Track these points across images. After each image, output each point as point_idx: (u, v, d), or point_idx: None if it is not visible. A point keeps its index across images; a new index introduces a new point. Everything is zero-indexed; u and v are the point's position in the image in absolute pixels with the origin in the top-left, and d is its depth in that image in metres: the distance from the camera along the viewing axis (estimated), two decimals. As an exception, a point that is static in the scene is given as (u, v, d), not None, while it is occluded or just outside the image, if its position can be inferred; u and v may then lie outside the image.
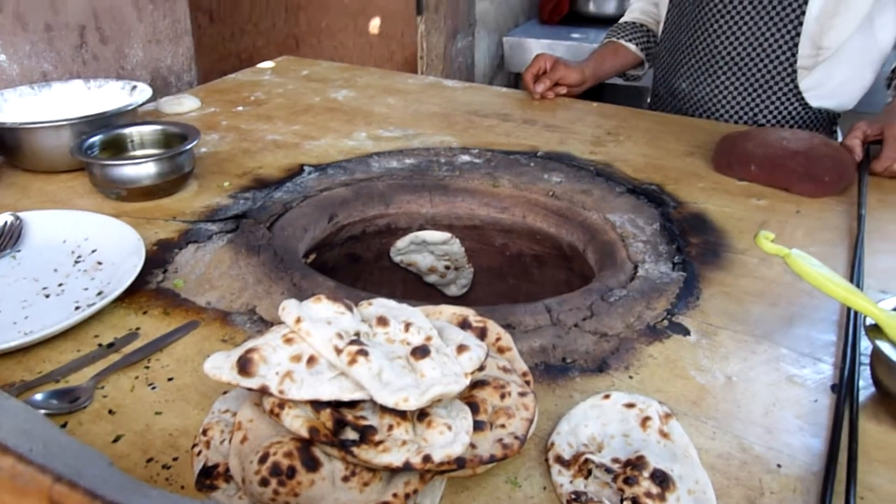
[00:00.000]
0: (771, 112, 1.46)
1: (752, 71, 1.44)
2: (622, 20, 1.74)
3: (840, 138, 1.54)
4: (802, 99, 1.44)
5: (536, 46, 2.70)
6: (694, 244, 0.99)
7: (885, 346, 0.66)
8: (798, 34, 1.39)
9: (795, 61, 1.41)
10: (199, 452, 0.62)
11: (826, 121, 1.49)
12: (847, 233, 1.03)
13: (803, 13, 1.37)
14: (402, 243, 1.22)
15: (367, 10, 2.43)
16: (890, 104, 1.34)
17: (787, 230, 1.04)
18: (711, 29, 1.46)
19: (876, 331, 0.68)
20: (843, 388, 0.71)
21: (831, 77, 1.42)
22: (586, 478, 0.60)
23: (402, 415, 0.55)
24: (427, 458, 0.52)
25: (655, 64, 1.64)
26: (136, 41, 1.50)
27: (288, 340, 0.59)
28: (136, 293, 0.86)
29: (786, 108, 1.46)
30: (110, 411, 0.68)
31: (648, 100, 1.72)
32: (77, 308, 0.81)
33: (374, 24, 2.45)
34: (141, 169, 1.06)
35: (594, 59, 1.64)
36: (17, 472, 0.33)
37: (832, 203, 1.12)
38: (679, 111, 1.56)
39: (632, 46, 1.67)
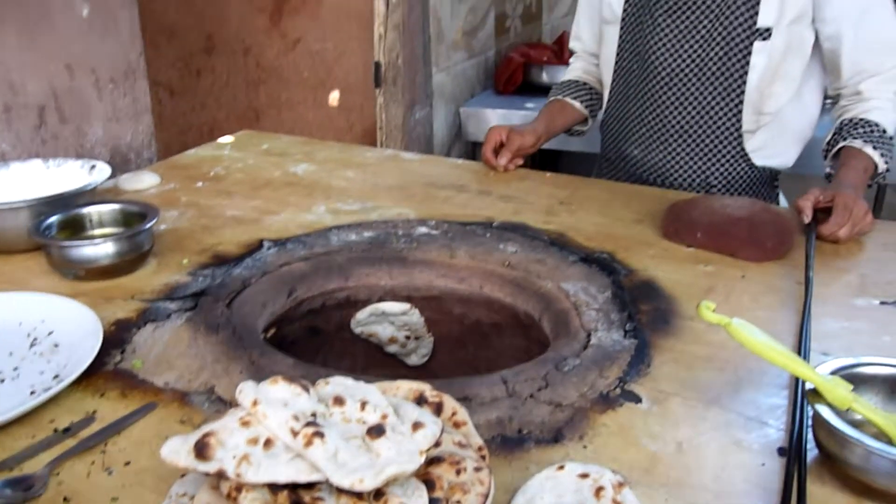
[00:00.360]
0: (721, 173, 1.54)
1: (702, 137, 1.52)
2: (565, 78, 1.81)
3: (781, 198, 1.62)
4: (749, 159, 1.53)
5: (492, 115, 2.78)
6: (644, 311, 1.02)
7: (823, 410, 0.69)
8: (741, 102, 1.48)
9: (741, 126, 1.50)
10: (156, 539, 0.62)
11: (769, 178, 1.57)
12: (790, 296, 1.08)
13: (745, 82, 1.46)
14: (362, 315, 1.23)
15: (326, 83, 2.49)
16: (838, 174, 1.41)
17: (733, 295, 1.08)
18: (660, 100, 1.53)
19: (815, 395, 0.71)
20: (792, 452, 0.74)
21: (773, 139, 1.52)
22: (542, 551, 0.61)
23: (358, 495, 0.56)
24: (383, 539, 0.53)
25: (604, 131, 1.70)
26: (95, 120, 1.52)
27: (245, 423, 0.60)
28: (94, 375, 0.86)
29: (734, 169, 1.54)
30: (65, 499, 0.68)
31: (595, 167, 1.78)
32: (33, 393, 0.81)
33: (334, 97, 2.50)
34: (99, 249, 1.07)
35: (545, 118, 1.70)
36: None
37: (775, 267, 1.16)
38: (631, 176, 1.63)
39: (577, 104, 1.74)
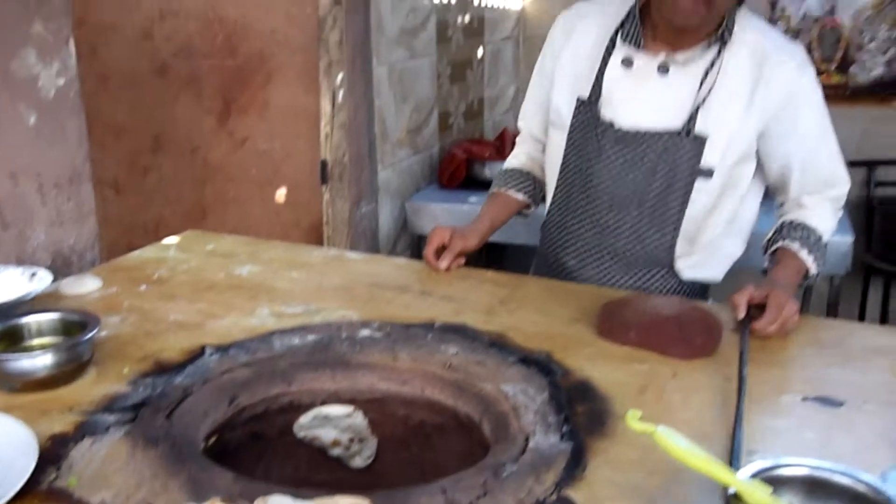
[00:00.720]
0: (651, 289, 1.59)
1: (636, 258, 1.57)
2: (507, 166, 1.81)
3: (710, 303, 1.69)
4: (679, 277, 1.59)
5: (437, 210, 2.86)
6: (580, 413, 1.05)
7: (744, 515, 0.72)
8: (677, 231, 1.54)
9: (674, 251, 1.55)
10: None
11: (700, 292, 1.63)
12: (719, 392, 1.12)
13: (683, 215, 1.52)
14: (305, 419, 1.23)
15: (273, 180, 2.54)
16: (773, 272, 1.47)
17: (665, 395, 1.12)
18: (599, 221, 1.57)
19: (737, 499, 0.74)
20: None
21: (704, 259, 1.58)
22: None
23: None
24: None
25: (544, 232, 1.74)
26: (38, 225, 1.52)
27: (180, 549, 0.61)
28: (27, 495, 0.84)
29: (664, 285, 1.59)
30: None
31: (534, 263, 1.82)
32: (-38, 517, 0.79)
33: (280, 194, 2.55)
34: (37, 361, 1.06)
35: (488, 215, 1.72)
36: None
37: (705, 364, 1.21)
38: (565, 280, 1.66)
39: (520, 196, 1.75)
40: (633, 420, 0.78)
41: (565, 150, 1.62)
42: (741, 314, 1.30)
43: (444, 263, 1.60)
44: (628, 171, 1.53)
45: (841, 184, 1.55)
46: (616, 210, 1.56)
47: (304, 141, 2.52)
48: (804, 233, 1.51)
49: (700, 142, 1.47)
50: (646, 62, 1.51)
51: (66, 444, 0.95)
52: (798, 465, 0.81)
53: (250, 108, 2.46)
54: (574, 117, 1.59)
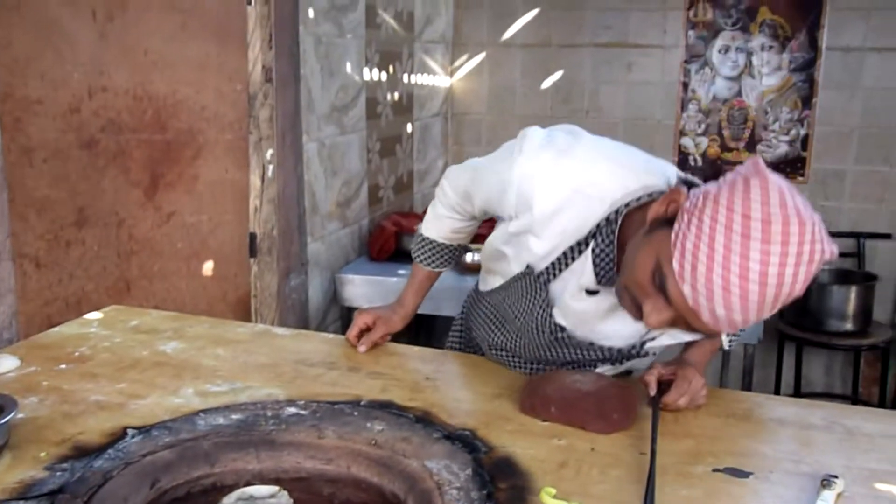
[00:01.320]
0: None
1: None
2: (427, 235, 1.67)
3: None
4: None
5: (366, 282, 2.88)
6: (502, 489, 1.08)
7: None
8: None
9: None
10: None
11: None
12: (635, 466, 1.17)
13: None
14: (228, 500, 1.22)
15: (200, 253, 2.53)
16: (686, 350, 1.52)
17: (583, 469, 1.16)
18: (542, 370, 1.51)
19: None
20: None
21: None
22: None
23: None
24: None
25: (468, 309, 1.74)
26: (-46, 303, 1.49)
27: None
28: (-67, 591, 0.82)
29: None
30: None
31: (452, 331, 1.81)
32: None
33: (208, 267, 2.54)
34: (-51, 447, 1.03)
35: (413, 293, 1.70)
36: None
37: (622, 438, 1.26)
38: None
39: (443, 269, 1.70)
40: (548, 497, 0.81)
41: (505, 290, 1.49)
42: (652, 391, 1.36)
43: (362, 348, 1.61)
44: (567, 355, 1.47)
45: None
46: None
47: (233, 214, 2.52)
48: None
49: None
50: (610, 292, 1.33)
51: (-24, 535, 0.93)
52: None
53: (178, 183, 2.46)
54: (520, 281, 1.42)
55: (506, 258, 1.43)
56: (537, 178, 1.31)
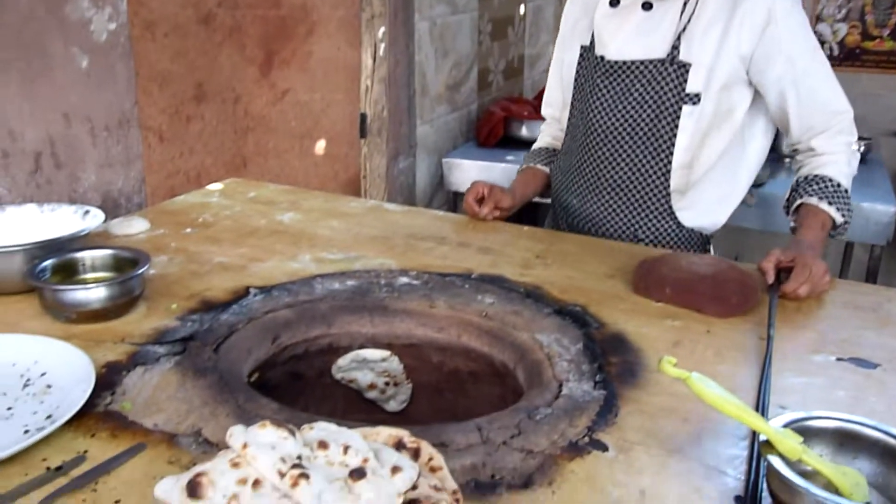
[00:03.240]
0: (649, 228, 1.63)
1: (632, 192, 1.62)
2: (535, 146, 1.92)
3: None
4: (676, 218, 1.62)
5: (473, 167, 2.86)
6: (614, 363, 1.08)
7: (775, 461, 0.74)
8: (670, 162, 1.57)
9: (669, 185, 1.59)
10: (145, 575, 0.65)
11: (700, 240, 1.65)
12: (752, 351, 1.13)
13: (674, 144, 1.56)
14: (343, 361, 1.27)
15: (312, 132, 2.56)
16: (798, 233, 1.49)
17: (698, 349, 1.13)
18: (596, 155, 1.64)
19: (768, 446, 0.76)
20: (747, 500, 0.78)
21: (701, 199, 1.61)
22: (511, 590, 0.65)
23: (340, 534, 0.60)
24: (362, 575, 0.57)
25: (552, 180, 1.80)
26: (89, 166, 1.57)
27: (235, 465, 0.64)
28: (85, 416, 0.89)
29: (661, 226, 1.63)
30: (57, 536, 0.71)
31: (548, 214, 1.87)
32: (26, 432, 0.84)
33: (320, 146, 2.57)
34: (91, 293, 1.10)
35: (519, 185, 1.80)
36: None
37: (739, 323, 1.22)
38: (571, 225, 1.74)
39: (547, 169, 1.85)
40: (668, 365, 0.80)
41: (572, 97, 1.70)
42: (770, 279, 1.31)
43: (485, 210, 1.65)
44: (619, 101, 1.59)
45: (843, 111, 1.54)
46: (611, 142, 1.61)
47: (344, 94, 2.53)
48: (822, 184, 1.51)
49: (684, 68, 1.52)
50: (631, 1, 1.58)
51: (119, 371, 1.00)
52: (830, 418, 0.82)
53: (292, 60, 2.47)
54: (578, 64, 1.68)
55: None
56: None
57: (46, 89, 1.46)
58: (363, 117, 2.55)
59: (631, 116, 1.58)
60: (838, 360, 1.12)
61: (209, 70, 2.46)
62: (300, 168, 2.58)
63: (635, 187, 1.61)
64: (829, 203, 1.49)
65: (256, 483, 0.62)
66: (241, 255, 1.43)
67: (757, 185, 2.42)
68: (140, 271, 1.15)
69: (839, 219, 1.49)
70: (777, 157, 2.78)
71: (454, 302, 1.28)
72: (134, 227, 1.51)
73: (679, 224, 1.62)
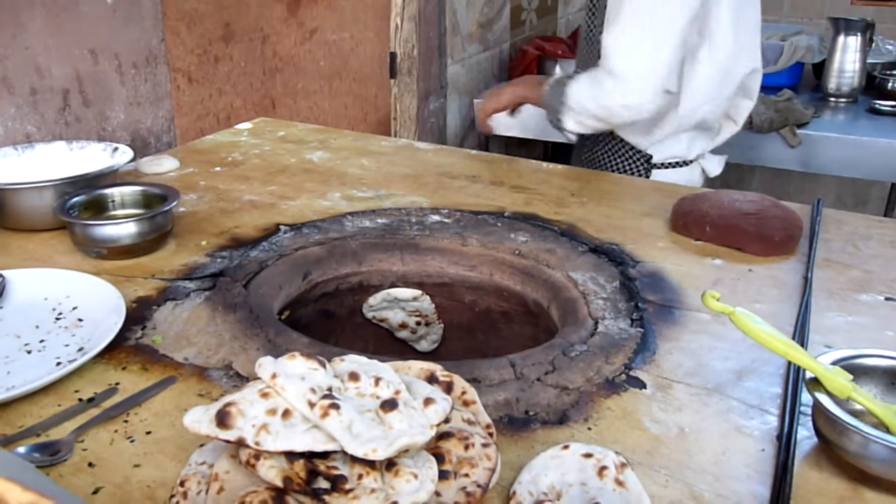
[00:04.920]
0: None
1: None
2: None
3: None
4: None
5: (506, 108, 2.80)
6: (651, 301, 1.05)
7: (822, 398, 0.71)
8: None
9: None
10: (177, 503, 0.64)
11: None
12: (796, 290, 1.09)
13: None
14: (374, 300, 1.26)
15: (341, 73, 2.51)
16: None
17: (739, 288, 1.10)
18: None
19: (815, 384, 0.73)
20: (784, 438, 0.76)
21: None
22: (546, 524, 0.64)
23: (371, 464, 0.59)
24: (394, 505, 0.55)
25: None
26: (117, 104, 1.55)
27: (264, 395, 0.63)
28: (116, 349, 0.89)
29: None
30: (90, 464, 0.71)
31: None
32: (58, 364, 0.84)
33: (349, 87, 2.53)
34: (121, 228, 1.10)
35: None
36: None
37: (782, 262, 1.18)
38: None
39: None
40: (711, 299, 0.77)
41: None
42: None
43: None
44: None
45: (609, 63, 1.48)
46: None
47: (374, 32, 2.47)
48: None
49: None
50: None
51: (149, 306, 0.99)
52: (880, 356, 0.79)
53: (320, -3, 2.41)
54: None
55: None
56: None
57: (72, 24, 1.43)
58: (393, 57, 2.50)
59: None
60: (887, 299, 1.07)
61: (236, 9, 2.41)
62: (329, 109, 2.54)
63: None
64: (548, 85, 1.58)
65: (286, 413, 0.61)
66: (271, 193, 1.41)
67: (801, 124, 2.34)
68: (169, 206, 1.14)
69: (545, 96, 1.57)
70: (822, 96, 2.68)
71: (487, 240, 1.25)
72: (164, 165, 1.50)
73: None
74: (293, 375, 0.64)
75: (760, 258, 1.19)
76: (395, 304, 1.27)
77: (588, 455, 0.71)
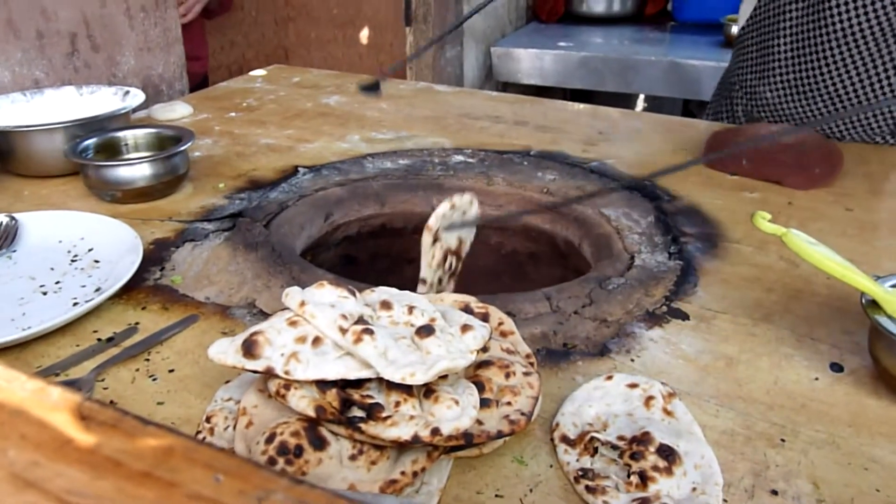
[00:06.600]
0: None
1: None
2: None
3: None
4: None
5: (524, 55, 2.72)
6: (689, 235, 1.00)
7: (884, 321, 0.67)
8: None
9: None
10: (204, 439, 0.61)
11: None
12: (838, 222, 1.04)
13: None
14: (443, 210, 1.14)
15: (355, 21, 2.45)
16: None
17: (779, 221, 1.02)
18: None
19: (874, 307, 0.69)
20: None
21: None
22: (592, 455, 0.60)
23: (408, 391, 0.55)
24: (435, 431, 0.52)
25: (734, 57, 1.52)
26: (127, 49, 1.50)
27: (292, 323, 0.60)
28: (134, 290, 0.86)
29: None
30: (111, 402, 0.68)
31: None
32: (75, 304, 0.81)
33: (363, 35, 2.46)
34: (136, 170, 1.06)
35: None
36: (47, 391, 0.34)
37: (824, 194, 1.13)
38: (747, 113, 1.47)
39: None
40: (762, 220, 0.72)
41: None
42: None
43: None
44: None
45: None
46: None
47: (388, -22, 2.40)
48: None
49: None
50: None
51: (168, 248, 0.96)
52: (943, 279, 0.74)
53: (332, -58, 2.34)
54: None
55: None
56: None
57: (78, -34, 1.38)
58: (408, 3, 2.43)
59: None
60: (937, 229, 1.02)
61: (246, -45, 2.35)
62: (343, 59, 2.49)
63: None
64: None
65: (317, 341, 0.57)
66: (288, 137, 1.36)
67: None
68: (184, 146, 1.09)
69: None
70: None
71: (513, 179, 1.20)
72: (177, 111, 1.46)
73: None
74: (322, 304, 0.61)
75: (800, 192, 1.13)
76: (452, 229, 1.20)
77: (633, 385, 0.67)
